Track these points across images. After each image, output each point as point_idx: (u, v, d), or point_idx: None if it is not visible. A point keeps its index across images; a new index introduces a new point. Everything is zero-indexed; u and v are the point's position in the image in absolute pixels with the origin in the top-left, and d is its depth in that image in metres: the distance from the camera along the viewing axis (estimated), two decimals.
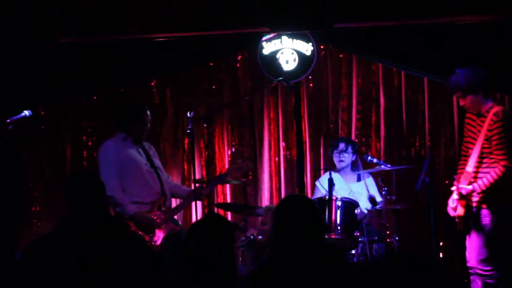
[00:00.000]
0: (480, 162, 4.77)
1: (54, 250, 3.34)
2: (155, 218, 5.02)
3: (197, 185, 5.24)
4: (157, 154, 5.47)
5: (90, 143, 6.77)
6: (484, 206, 4.73)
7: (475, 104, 4.79)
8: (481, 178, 4.73)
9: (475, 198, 4.78)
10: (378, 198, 5.93)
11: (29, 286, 3.29)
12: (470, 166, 4.83)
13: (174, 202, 5.83)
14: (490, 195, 4.72)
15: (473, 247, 4.79)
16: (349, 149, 6.12)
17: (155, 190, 5.15)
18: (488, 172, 4.71)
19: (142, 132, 5.20)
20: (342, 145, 6.12)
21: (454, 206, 4.88)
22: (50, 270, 3.28)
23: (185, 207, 5.68)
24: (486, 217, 4.72)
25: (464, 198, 4.80)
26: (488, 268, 4.70)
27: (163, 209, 5.13)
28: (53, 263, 3.30)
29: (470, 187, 4.78)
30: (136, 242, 3.50)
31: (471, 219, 4.81)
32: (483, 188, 4.71)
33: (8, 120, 4.77)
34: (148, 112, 5.23)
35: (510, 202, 4.70)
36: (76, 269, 3.28)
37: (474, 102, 4.78)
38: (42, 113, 6.75)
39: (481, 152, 4.75)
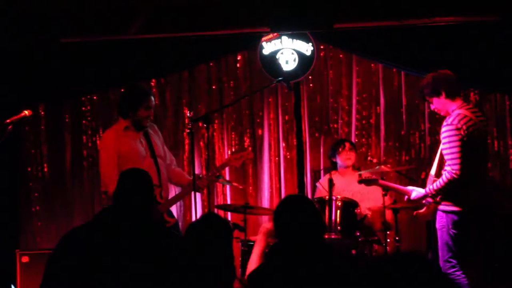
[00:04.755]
0: (440, 165, 4.79)
1: (87, 241, 3.40)
2: None
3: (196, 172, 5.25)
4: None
5: (90, 143, 6.77)
6: (439, 207, 4.74)
7: (441, 106, 4.80)
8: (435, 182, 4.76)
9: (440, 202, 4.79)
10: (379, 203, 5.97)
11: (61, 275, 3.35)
12: (433, 170, 4.88)
13: (174, 192, 5.84)
14: (446, 197, 4.71)
15: (438, 247, 4.80)
16: (353, 149, 6.16)
17: None
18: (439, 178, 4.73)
19: (146, 118, 5.20)
20: (348, 144, 6.15)
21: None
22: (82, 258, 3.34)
23: (182, 198, 5.70)
24: (442, 218, 4.73)
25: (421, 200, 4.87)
26: (451, 270, 4.68)
27: (159, 200, 5.14)
28: (86, 253, 3.36)
29: (422, 191, 4.81)
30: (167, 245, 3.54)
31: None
32: (433, 192, 4.71)
33: (8, 120, 4.77)
34: (153, 98, 5.23)
35: (465, 208, 4.66)
36: (106, 262, 3.34)
37: (439, 104, 4.79)
38: (42, 113, 6.75)
39: (441, 155, 4.78)
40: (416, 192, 4.89)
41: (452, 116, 4.66)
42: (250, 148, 6.69)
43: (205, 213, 6.47)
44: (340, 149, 6.18)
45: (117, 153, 5.12)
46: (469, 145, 4.58)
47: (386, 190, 5.40)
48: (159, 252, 3.43)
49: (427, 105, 6.55)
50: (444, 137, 4.63)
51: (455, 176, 4.56)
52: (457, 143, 4.57)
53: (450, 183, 4.59)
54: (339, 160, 6.20)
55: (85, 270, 3.36)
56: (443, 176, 4.64)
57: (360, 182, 5.44)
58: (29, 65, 6.40)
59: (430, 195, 4.76)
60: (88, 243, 3.43)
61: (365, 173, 5.55)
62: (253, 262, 4.25)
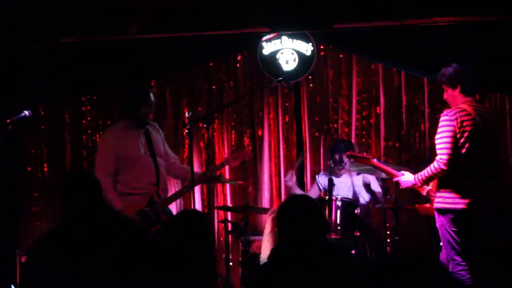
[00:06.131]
0: None
1: (57, 247, 3.40)
2: (137, 217, 5.04)
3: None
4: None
5: (90, 143, 6.77)
6: (436, 208, 4.75)
7: (452, 99, 4.82)
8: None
9: (434, 200, 4.81)
10: (378, 189, 5.98)
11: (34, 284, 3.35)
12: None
13: (174, 191, 5.84)
14: (442, 196, 4.72)
15: (442, 246, 4.82)
16: (344, 158, 6.07)
17: (149, 181, 5.16)
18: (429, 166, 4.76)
19: (147, 115, 5.23)
20: (336, 157, 6.09)
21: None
22: (54, 267, 3.33)
23: (181, 196, 5.71)
24: (439, 217, 4.74)
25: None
26: (457, 269, 4.69)
27: (156, 200, 5.14)
28: (56, 260, 3.35)
29: (412, 178, 4.86)
30: (133, 232, 3.54)
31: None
32: (420, 179, 4.76)
33: (8, 120, 4.78)
34: (152, 95, 5.28)
35: (462, 203, 4.68)
36: (78, 265, 3.33)
37: (452, 96, 4.81)
38: (42, 113, 6.75)
39: None
40: (406, 179, 4.91)
41: (452, 109, 4.69)
42: (249, 148, 6.69)
43: (181, 211, 6.39)
44: (331, 161, 6.16)
45: (116, 152, 5.14)
46: (461, 139, 4.60)
47: (379, 170, 5.35)
48: (117, 248, 3.45)
49: (427, 105, 6.59)
50: (438, 127, 4.70)
51: (442, 166, 4.59)
52: (448, 134, 4.61)
53: (437, 173, 4.64)
54: (332, 165, 6.21)
55: (55, 276, 3.38)
56: (432, 166, 4.67)
57: (349, 156, 5.44)
58: (29, 65, 6.39)
59: (419, 183, 4.79)
60: (54, 248, 3.44)
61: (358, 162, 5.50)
62: (265, 248, 4.29)
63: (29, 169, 6.75)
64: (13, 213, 6.58)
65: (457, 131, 4.61)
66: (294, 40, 6.49)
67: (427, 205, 5.01)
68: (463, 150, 4.62)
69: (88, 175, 3.88)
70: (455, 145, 4.60)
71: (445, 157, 4.59)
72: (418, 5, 6.09)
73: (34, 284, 3.43)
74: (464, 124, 4.62)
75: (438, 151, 4.66)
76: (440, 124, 4.68)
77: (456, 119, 4.62)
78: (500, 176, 6.39)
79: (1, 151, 5.54)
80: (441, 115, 4.72)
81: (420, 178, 4.79)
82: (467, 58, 6.00)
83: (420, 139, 6.64)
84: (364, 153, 5.35)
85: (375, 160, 5.30)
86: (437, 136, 4.70)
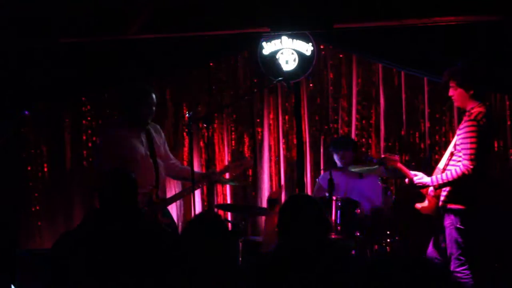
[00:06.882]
0: (450, 159, 4.81)
1: (81, 242, 3.43)
2: None
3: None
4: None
5: (90, 143, 6.77)
6: (447, 206, 4.74)
7: (462, 99, 4.81)
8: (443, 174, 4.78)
9: (442, 198, 4.80)
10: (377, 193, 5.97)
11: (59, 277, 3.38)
12: (441, 162, 4.92)
13: (174, 192, 5.83)
14: (454, 196, 4.72)
15: (447, 246, 4.81)
16: (350, 147, 6.14)
17: (148, 181, 5.15)
18: (450, 170, 4.74)
19: (147, 116, 5.18)
20: (343, 143, 6.14)
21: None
22: (77, 261, 3.37)
23: (181, 197, 5.71)
24: (449, 216, 4.74)
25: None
26: (460, 268, 4.69)
27: (154, 200, 5.13)
28: (80, 255, 3.38)
29: (428, 179, 4.81)
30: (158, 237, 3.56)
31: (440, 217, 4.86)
32: (440, 182, 4.73)
33: (8, 120, 4.77)
34: (154, 96, 5.22)
35: (474, 206, 4.68)
36: (100, 260, 3.36)
37: (462, 97, 4.80)
38: (42, 113, 6.75)
39: (453, 150, 4.80)
40: (420, 177, 4.87)
41: (475, 113, 4.68)
42: (249, 155, 6.69)
43: (201, 212, 6.42)
44: (335, 148, 6.17)
45: (117, 151, 5.11)
46: (486, 144, 4.64)
47: (400, 172, 5.27)
48: (154, 250, 3.46)
49: (427, 105, 6.59)
50: (466, 132, 4.65)
51: (470, 171, 4.58)
52: (478, 139, 4.61)
53: (463, 176, 4.62)
54: (335, 159, 6.21)
55: (83, 274, 3.39)
56: (457, 169, 4.65)
57: (380, 163, 5.25)
58: (29, 65, 6.39)
59: (436, 184, 4.76)
60: (83, 247, 3.45)
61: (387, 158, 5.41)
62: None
63: (29, 169, 6.75)
64: (13, 213, 6.58)
65: (484, 135, 4.62)
66: (294, 40, 6.48)
67: (425, 203, 4.99)
68: (484, 154, 4.66)
69: (128, 175, 3.87)
70: (481, 152, 4.61)
71: (474, 162, 4.59)
72: (418, 5, 6.09)
73: (59, 281, 3.45)
74: (489, 131, 4.66)
75: (465, 156, 4.63)
76: (470, 129, 4.64)
77: (484, 124, 4.62)
78: (500, 176, 6.42)
79: (1, 151, 5.55)
80: (467, 120, 4.69)
81: (440, 182, 4.73)
82: (467, 58, 6.02)
83: (420, 139, 6.64)
84: (396, 156, 5.21)
85: (400, 163, 5.21)
86: (464, 141, 4.65)
